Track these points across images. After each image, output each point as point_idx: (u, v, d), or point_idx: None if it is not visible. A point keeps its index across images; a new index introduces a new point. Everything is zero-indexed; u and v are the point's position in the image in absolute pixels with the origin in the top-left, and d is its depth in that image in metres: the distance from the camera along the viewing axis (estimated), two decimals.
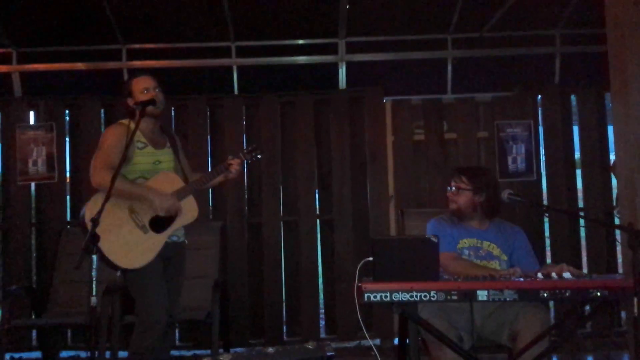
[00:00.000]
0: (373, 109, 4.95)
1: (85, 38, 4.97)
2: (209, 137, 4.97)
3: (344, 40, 5.08)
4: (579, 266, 4.68)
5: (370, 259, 2.49)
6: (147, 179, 3.15)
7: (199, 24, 4.97)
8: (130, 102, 3.16)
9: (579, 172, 5.03)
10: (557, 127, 4.97)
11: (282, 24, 4.99)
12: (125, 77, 5.00)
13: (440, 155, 4.94)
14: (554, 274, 2.57)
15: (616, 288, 2.47)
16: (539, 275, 2.58)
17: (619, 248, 4.70)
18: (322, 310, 4.99)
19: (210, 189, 4.75)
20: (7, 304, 4.15)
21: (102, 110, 4.96)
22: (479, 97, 5.07)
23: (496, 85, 5.16)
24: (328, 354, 2.58)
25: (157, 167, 3.19)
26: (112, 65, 5.08)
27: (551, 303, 4.60)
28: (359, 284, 2.47)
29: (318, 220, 4.97)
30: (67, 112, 4.99)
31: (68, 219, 4.86)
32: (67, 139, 4.98)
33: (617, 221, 4.63)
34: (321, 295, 4.99)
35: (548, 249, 4.93)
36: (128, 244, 3.04)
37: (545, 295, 2.48)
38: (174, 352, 4.51)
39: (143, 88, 3.15)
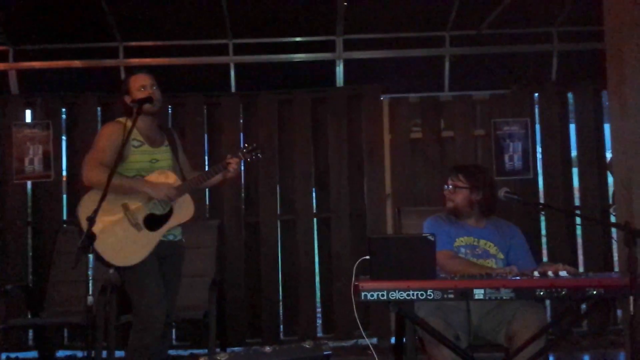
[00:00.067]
0: (370, 106, 4.95)
1: (82, 36, 4.96)
2: (206, 135, 4.96)
3: (341, 37, 5.08)
4: (575, 264, 4.68)
5: (367, 257, 2.49)
6: (143, 177, 3.14)
7: (197, 22, 4.96)
8: (127, 99, 3.15)
9: (575, 170, 5.04)
10: (554, 125, 4.97)
11: (279, 22, 4.98)
12: (122, 74, 4.99)
13: (438, 153, 4.94)
14: (550, 273, 2.57)
15: (612, 286, 2.47)
16: (536, 273, 2.58)
17: (615, 246, 4.72)
18: (319, 309, 4.99)
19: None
20: (3, 304, 4.13)
21: (99, 109, 4.94)
22: (476, 95, 5.07)
23: (493, 83, 5.16)
24: (325, 353, 2.58)
25: (154, 165, 3.18)
26: (109, 63, 5.06)
27: (547, 302, 4.60)
28: (356, 283, 2.46)
29: (315, 219, 4.97)
30: (63, 110, 4.98)
31: (64, 217, 4.85)
32: (64, 137, 4.96)
33: (613, 219, 4.64)
34: (318, 294, 4.99)
35: (544, 247, 4.94)
36: (121, 242, 3.03)
37: (542, 293, 2.48)
38: (171, 352, 4.50)
39: (140, 86, 3.14)
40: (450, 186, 3.21)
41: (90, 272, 2.56)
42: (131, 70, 3.33)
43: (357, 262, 2.54)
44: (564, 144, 4.98)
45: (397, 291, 2.43)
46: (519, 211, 4.77)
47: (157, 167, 3.17)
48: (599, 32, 3.86)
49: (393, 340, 3.71)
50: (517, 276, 2.58)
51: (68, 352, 4.71)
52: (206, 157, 4.93)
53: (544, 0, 4.84)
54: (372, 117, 4.93)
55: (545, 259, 4.78)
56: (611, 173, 4.16)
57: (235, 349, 4.36)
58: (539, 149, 5.00)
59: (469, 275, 2.66)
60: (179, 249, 3.30)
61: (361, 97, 4.96)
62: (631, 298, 2.44)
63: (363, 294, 2.43)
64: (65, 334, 4.75)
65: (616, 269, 4.78)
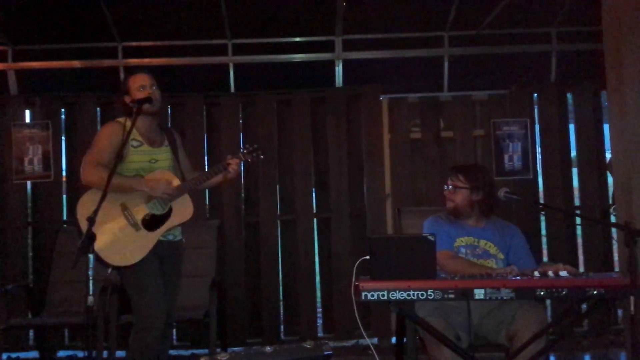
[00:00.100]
0: (370, 107, 4.95)
1: (81, 36, 4.96)
2: (205, 135, 4.96)
3: (340, 37, 5.08)
4: (575, 264, 4.69)
5: (368, 257, 2.49)
6: (143, 178, 3.14)
7: (196, 22, 4.96)
8: (127, 99, 3.16)
9: (575, 170, 5.04)
10: (553, 125, 4.97)
11: (278, 22, 4.99)
12: (122, 75, 4.99)
13: (437, 153, 4.95)
14: (550, 273, 2.57)
15: (613, 286, 2.47)
16: (536, 273, 2.58)
17: (615, 246, 4.72)
18: (320, 309, 4.99)
19: None
20: (3, 304, 4.14)
21: (98, 109, 4.94)
22: (475, 95, 5.07)
23: (493, 83, 5.17)
24: (326, 353, 2.58)
25: (153, 165, 3.18)
26: (108, 63, 5.06)
27: (548, 302, 4.61)
28: (356, 283, 2.46)
29: (315, 219, 4.97)
30: (63, 110, 4.97)
31: (64, 218, 4.85)
32: (63, 138, 4.96)
33: (613, 219, 4.64)
34: (319, 294, 4.99)
35: (544, 247, 4.94)
36: (119, 242, 3.03)
37: (542, 293, 2.47)
38: (172, 352, 4.50)
39: (140, 86, 3.14)
40: (450, 186, 3.21)
41: (90, 272, 2.56)
42: (131, 70, 3.33)
43: (358, 262, 2.54)
44: (563, 144, 4.98)
45: (397, 291, 2.43)
46: (518, 211, 4.78)
47: (156, 167, 3.17)
48: (598, 32, 3.86)
49: (394, 340, 3.71)
50: (517, 276, 2.58)
51: (69, 352, 4.71)
52: (206, 157, 4.93)
53: (543, 1, 4.84)
54: (372, 117, 4.93)
55: (545, 259, 4.79)
56: (611, 173, 4.17)
57: (236, 349, 4.36)
58: (538, 149, 5.00)
59: (469, 275, 2.66)
60: (178, 249, 3.30)
61: (361, 97, 4.96)
62: (631, 298, 2.45)
63: (363, 294, 2.43)
64: (66, 334, 4.75)
65: (616, 269, 4.78)
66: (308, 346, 2.62)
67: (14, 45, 5.01)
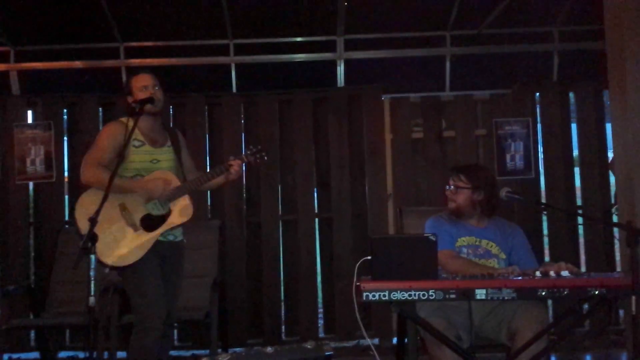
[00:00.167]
0: (371, 106, 4.94)
1: (83, 36, 4.96)
2: (207, 135, 4.96)
3: (342, 37, 5.07)
4: (577, 264, 4.68)
5: (369, 257, 2.49)
6: (143, 177, 3.14)
7: (197, 22, 4.96)
8: (129, 99, 3.16)
9: (577, 170, 5.03)
10: (555, 124, 4.96)
11: (280, 22, 4.98)
12: (124, 75, 5.00)
13: (439, 153, 4.94)
14: (552, 273, 2.57)
15: (614, 286, 2.47)
16: (537, 273, 2.57)
17: (617, 246, 4.71)
18: (321, 310, 4.99)
19: None
20: (5, 304, 4.15)
21: (100, 109, 4.95)
22: (477, 95, 5.06)
23: (494, 83, 5.16)
24: (327, 353, 2.57)
25: (154, 165, 3.18)
26: (110, 63, 5.06)
27: (549, 301, 4.60)
28: (358, 283, 2.46)
29: (317, 219, 4.97)
30: (65, 110, 4.98)
31: (66, 218, 4.85)
32: (65, 138, 4.96)
33: (615, 219, 4.63)
34: (320, 295, 4.98)
35: (546, 247, 4.93)
36: (117, 241, 3.03)
37: (544, 293, 2.47)
38: (173, 352, 4.50)
39: (142, 86, 3.15)
40: (452, 186, 3.21)
41: (92, 273, 2.55)
42: (133, 71, 3.34)
43: (359, 263, 2.54)
44: (565, 144, 4.97)
45: (398, 291, 2.43)
46: (520, 211, 4.77)
47: (157, 168, 3.17)
48: (600, 31, 3.85)
49: (395, 340, 3.71)
50: (518, 276, 2.58)
51: (70, 353, 4.72)
52: (207, 157, 4.93)
53: (545, 0, 4.83)
54: (373, 117, 4.93)
55: (547, 258, 4.77)
56: (613, 173, 4.16)
57: (237, 349, 4.36)
58: (540, 149, 4.99)
59: (470, 275, 2.66)
60: (179, 249, 3.30)
61: (362, 97, 4.96)
62: (633, 298, 2.44)
63: (365, 294, 2.42)
64: (67, 335, 4.75)
65: (618, 268, 4.77)
66: (309, 347, 2.61)
67: (16, 45, 5.01)
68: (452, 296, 2.45)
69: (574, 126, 5.05)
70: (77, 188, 4.77)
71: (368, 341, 3.28)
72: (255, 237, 4.88)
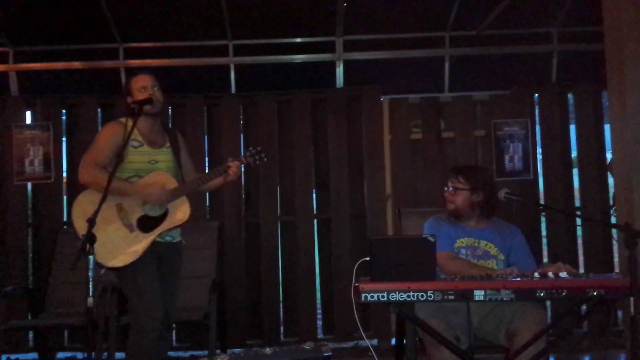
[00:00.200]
0: (370, 107, 4.94)
1: (82, 37, 4.96)
2: (206, 136, 4.96)
3: (341, 38, 5.08)
4: (575, 265, 4.68)
5: (368, 258, 2.49)
6: (141, 178, 3.14)
7: (196, 23, 4.96)
8: (129, 100, 3.16)
9: (575, 171, 5.03)
10: (554, 125, 4.97)
11: (279, 23, 4.99)
12: (123, 76, 5.00)
13: (438, 154, 4.94)
14: (550, 274, 2.57)
15: (613, 287, 2.47)
16: (536, 274, 2.57)
17: (615, 247, 4.71)
18: (320, 311, 4.99)
19: None
20: (3, 305, 4.14)
21: (99, 110, 4.95)
22: (476, 96, 5.07)
23: (493, 84, 5.17)
24: (325, 354, 2.57)
25: (153, 166, 3.17)
26: (109, 64, 5.07)
27: (548, 303, 4.60)
28: (356, 284, 2.46)
29: (315, 220, 4.97)
30: (64, 111, 4.98)
31: (65, 219, 4.84)
32: (64, 139, 4.96)
33: (614, 220, 4.63)
34: (318, 295, 4.98)
35: (545, 248, 4.93)
36: (112, 242, 3.03)
37: (542, 294, 2.48)
38: (171, 353, 4.50)
39: (141, 87, 3.15)
40: (451, 188, 3.21)
41: (90, 274, 2.55)
42: (132, 71, 3.34)
43: (358, 263, 2.54)
44: (564, 145, 4.98)
45: (397, 292, 2.43)
46: (519, 212, 4.77)
47: (156, 168, 3.17)
48: (599, 33, 3.85)
49: (393, 341, 3.71)
50: (517, 277, 2.58)
51: (68, 354, 4.71)
52: (206, 158, 4.93)
53: (544, 1, 4.84)
54: (372, 118, 4.93)
55: (545, 259, 4.78)
56: (611, 174, 4.16)
57: (236, 350, 4.36)
58: (539, 150, 5.00)
59: (469, 276, 2.66)
60: (177, 250, 3.29)
61: (361, 97, 4.96)
62: (632, 299, 2.44)
63: (363, 295, 2.43)
64: (66, 336, 4.75)
65: (617, 270, 4.77)
66: (308, 347, 2.61)
67: (14, 46, 5.01)
68: (451, 297, 2.45)
69: (572, 127, 5.05)
70: (76, 189, 4.74)
71: (367, 342, 3.27)
72: (254, 238, 4.88)
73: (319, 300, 4.98)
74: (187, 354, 4.69)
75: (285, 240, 4.91)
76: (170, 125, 4.81)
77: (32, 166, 4.82)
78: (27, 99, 4.94)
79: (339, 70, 5.11)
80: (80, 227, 3.02)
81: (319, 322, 4.95)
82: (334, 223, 4.87)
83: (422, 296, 2.43)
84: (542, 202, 4.99)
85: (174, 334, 4.56)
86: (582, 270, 4.67)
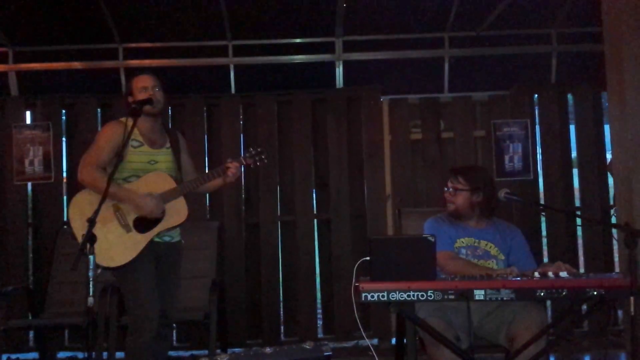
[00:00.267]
0: (370, 108, 4.95)
1: (82, 37, 4.97)
2: (205, 136, 4.96)
3: (341, 39, 5.08)
4: (576, 265, 4.69)
5: (368, 258, 2.49)
6: (139, 178, 3.14)
7: (196, 23, 4.96)
8: (130, 99, 3.17)
9: (575, 171, 5.04)
10: (553, 126, 4.97)
11: (279, 23, 4.99)
12: (122, 76, 5.00)
13: (438, 154, 4.94)
14: (550, 273, 2.57)
15: (613, 287, 2.47)
16: (536, 274, 2.58)
17: (615, 247, 4.72)
18: (320, 310, 4.99)
19: None
20: (3, 305, 4.14)
21: (99, 110, 4.95)
22: (476, 96, 5.07)
23: (493, 84, 5.16)
24: (325, 354, 2.58)
25: (152, 166, 3.17)
26: (108, 64, 5.07)
27: (548, 302, 4.60)
28: (356, 284, 2.46)
29: (315, 220, 4.97)
30: (63, 111, 4.98)
31: (65, 219, 4.84)
32: (64, 139, 4.96)
33: (614, 220, 4.64)
34: (319, 295, 4.98)
35: (545, 248, 4.94)
36: (108, 242, 3.02)
37: (542, 294, 2.48)
38: (172, 353, 4.50)
39: (142, 87, 3.16)
40: (451, 188, 3.21)
41: (90, 274, 2.55)
42: (131, 72, 3.35)
43: (358, 263, 2.54)
44: (564, 145, 4.98)
45: (397, 292, 2.43)
46: (519, 212, 4.78)
47: (155, 169, 3.17)
48: (599, 33, 3.86)
49: (394, 341, 3.71)
50: (517, 277, 2.58)
51: (69, 353, 4.72)
52: (206, 158, 4.93)
53: (543, 2, 4.84)
54: (372, 118, 4.93)
55: (545, 259, 4.78)
56: (611, 174, 4.17)
57: (236, 350, 4.37)
58: (539, 150, 5.00)
59: (469, 276, 2.66)
60: (176, 250, 3.29)
61: (361, 98, 4.96)
62: (632, 298, 2.44)
63: (363, 294, 2.43)
64: (66, 335, 4.75)
65: (617, 269, 4.78)
66: (308, 347, 2.62)
67: (14, 46, 5.01)
68: (451, 297, 2.45)
69: (572, 127, 5.06)
70: (76, 188, 4.71)
71: (367, 341, 3.27)
72: (254, 238, 4.88)
73: (319, 300, 4.98)
74: (188, 353, 4.69)
75: (285, 240, 4.91)
76: (170, 125, 4.82)
77: (32, 166, 4.82)
78: (27, 99, 4.94)
79: (339, 71, 5.12)
80: (77, 228, 3.02)
81: (319, 322, 4.95)
82: (334, 223, 4.87)
83: (422, 296, 2.43)
84: (542, 202, 4.99)
85: (174, 334, 4.55)
86: (582, 270, 4.67)
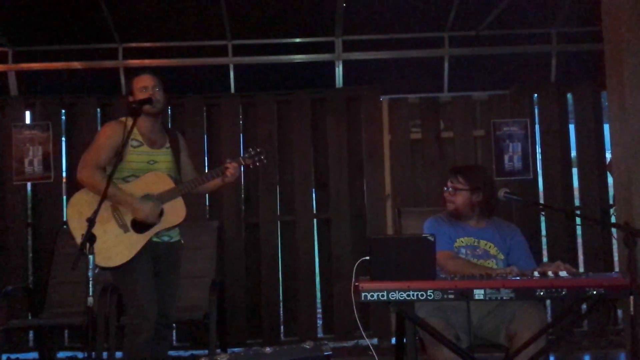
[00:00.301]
0: (370, 107, 4.95)
1: (81, 37, 4.96)
2: (205, 136, 4.96)
3: (340, 38, 5.08)
4: (575, 265, 4.69)
5: (367, 258, 2.49)
6: (138, 178, 3.14)
7: (196, 23, 4.96)
8: (130, 99, 3.17)
9: (575, 170, 5.04)
10: (553, 125, 4.97)
11: (278, 23, 4.99)
12: (122, 76, 5.00)
13: (437, 153, 4.94)
14: (550, 273, 2.57)
15: (613, 286, 2.47)
16: (535, 274, 2.58)
17: (615, 246, 4.72)
18: (320, 310, 4.99)
19: None
20: (3, 305, 4.14)
21: (99, 110, 4.94)
22: (475, 96, 5.07)
23: (493, 84, 5.17)
24: (325, 353, 2.57)
25: (151, 166, 3.17)
26: (108, 64, 5.06)
27: (548, 302, 4.60)
28: (356, 284, 2.46)
29: (315, 220, 4.97)
30: (63, 111, 4.97)
31: (64, 219, 4.83)
32: (64, 139, 4.96)
33: (613, 219, 4.64)
34: (318, 295, 4.98)
35: (545, 247, 4.94)
36: (106, 242, 3.02)
37: (542, 294, 2.47)
38: (172, 353, 4.50)
39: (142, 86, 3.16)
40: (450, 188, 3.21)
41: (90, 274, 2.55)
42: (131, 72, 3.35)
43: (357, 263, 2.54)
44: (563, 145, 4.98)
45: (397, 292, 2.43)
46: (519, 212, 4.78)
47: (154, 169, 3.17)
48: (598, 33, 3.86)
49: (393, 340, 3.71)
50: (517, 276, 2.58)
51: (68, 353, 4.72)
52: (206, 158, 4.93)
53: (543, 1, 4.84)
54: (372, 117, 4.93)
55: (545, 259, 4.79)
56: (611, 174, 4.17)
57: (236, 349, 4.36)
58: (538, 150, 5.00)
59: (469, 275, 2.66)
60: (176, 250, 3.29)
61: (361, 97, 4.96)
62: (631, 298, 2.44)
63: (363, 294, 2.43)
64: (66, 335, 4.75)
65: (616, 269, 4.78)
66: (308, 347, 2.62)
67: (14, 46, 5.01)
68: (451, 296, 2.45)
69: (572, 127, 5.06)
70: (76, 188, 4.74)
71: (367, 341, 3.27)
72: (253, 238, 4.88)
73: (319, 300, 4.99)
74: (188, 353, 4.69)
75: (285, 240, 4.91)
76: (170, 125, 4.82)
77: (31, 166, 4.82)
78: (27, 99, 4.94)
79: (339, 70, 5.12)
80: (75, 228, 3.02)
81: (319, 322, 4.95)
82: (334, 223, 4.87)
83: (422, 295, 2.43)
84: (541, 201, 4.99)
85: (174, 334, 4.56)
86: (581, 270, 4.67)
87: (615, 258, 4.72)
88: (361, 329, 2.82)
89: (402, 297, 2.43)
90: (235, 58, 5.11)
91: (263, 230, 4.87)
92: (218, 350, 4.08)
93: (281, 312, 4.92)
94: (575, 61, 5.13)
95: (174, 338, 4.65)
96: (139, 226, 3.09)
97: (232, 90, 5.11)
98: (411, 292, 2.43)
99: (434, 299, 2.44)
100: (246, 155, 3.28)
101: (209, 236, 4.47)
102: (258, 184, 4.90)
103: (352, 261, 2.81)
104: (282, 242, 4.91)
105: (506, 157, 4.91)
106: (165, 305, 3.18)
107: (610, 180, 4.53)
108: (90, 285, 2.54)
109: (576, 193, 5.02)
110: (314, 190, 4.98)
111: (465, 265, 2.97)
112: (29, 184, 4.88)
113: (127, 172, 3.13)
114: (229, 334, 4.50)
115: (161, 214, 3.13)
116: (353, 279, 2.51)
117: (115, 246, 3.04)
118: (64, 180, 4.92)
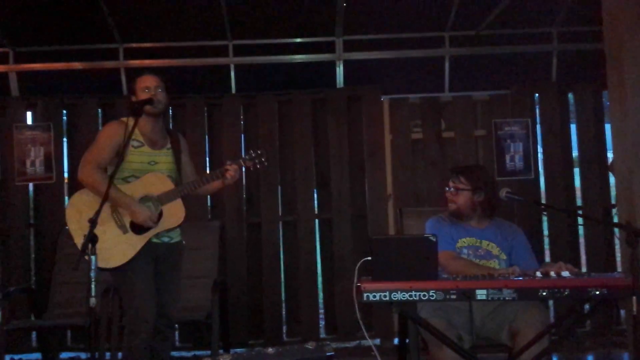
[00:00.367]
0: (371, 107, 4.95)
1: (82, 37, 4.96)
2: (206, 136, 4.96)
3: (341, 38, 5.08)
4: (577, 265, 4.69)
5: (369, 258, 2.49)
6: (138, 178, 3.14)
7: (196, 23, 4.96)
8: (132, 99, 3.17)
9: (577, 170, 5.04)
10: (554, 125, 4.97)
11: (279, 23, 4.99)
12: (123, 76, 5.00)
13: (439, 153, 4.94)
14: (552, 273, 2.57)
15: (615, 286, 2.47)
16: (538, 274, 2.58)
17: (618, 246, 4.72)
18: (322, 310, 4.99)
19: None
20: (6, 306, 4.14)
21: (100, 110, 4.95)
22: (476, 96, 5.07)
23: (494, 84, 5.16)
24: (328, 354, 2.57)
25: (152, 167, 3.17)
26: (109, 64, 5.06)
27: (550, 302, 4.60)
28: (358, 284, 2.46)
29: (317, 220, 4.97)
30: (64, 112, 4.98)
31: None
32: (65, 139, 4.96)
33: (615, 219, 4.64)
34: (320, 295, 4.99)
35: (547, 247, 4.94)
36: (105, 243, 3.00)
37: (544, 294, 2.47)
38: (174, 353, 4.51)
39: (144, 87, 3.16)
40: (452, 188, 3.21)
41: (92, 274, 2.55)
42: (132, 72, 3.35)
43: (359, 263, 2.54)
44: (565, 144, 4.98)
45: (399, 292, 2.43)
46: (520, 212, 4.78)
47: (154, 169, 3.17)
48: (599, 32, 3.86)
49: (396, 341, 3.71)
50: (519, 276, 2.58)
51: (71, 354, 4.71)
52: (207, 158, 4.93)
53: (544, 1, 4.84)
54: (373, 117, 4.93)
55: (547, 259, 4.78)
56: (613, 173, 4.16)
57: (238, 350, 4.38)
58: (540, 149, 5.00)
59: (471, 275, 2.66)
60: (176, 250, 3.28)
61: (361, 97, 4.96)
62: (634, 298, 2.44)
63: (365, 294, 2.43)
64: (69, 336, 4.75)
65: (619, 269, 4.78)
66: (310, 347, 2.62)
67: (15, 47, 5.01)
68: (453, 297, 2.45)
69: (573, 127, 5.05)
70: (77, 189, 4.74)
71: (369, 342, 3.27)
72: (255, 238, 4.88)
73: (321, 300, 4.99)
74: (190, 353, 4.69)
75: (287, 240, 4.91)
76: (171, 126, 4.83)
77: (33, 167, 4.82)
78: (28, 99, 4.94)
79: (339, 70, 5.11)
80: (74, 229, 3.03)
81: (321, 322, 4.96)
82: (335, 223, 4.87)
83: (424, 296, 2.43)
84: (543, 201, 4.98)
85: (176, 334, 4.56)
86: (584, 270, 4.67)
87: (618, 258, 4.72)
88: (363, 329, 2.82)
89: (404, 297, 2.43)
90: (236, 58, 5.11)
91: (265, 230, 4.87)
92: (220, 351, 4.08)
93: (283, 312, 4.92)
94: (576, 61, 5.13)
95: (177, 338, 4.65)
96: (138, 227, 3.09)
97: (233, 90, 5.11)
98: (413, 293, 2.43)
99: (436, 299, 2.44)
100: (247, 157, 3.27)
101: (211, 236, 4.47)
102: (259, 184, 4.90)
103: (353, 261, 2.81)
104: (283, 242, 4.91)
105: (507, 157, 4.91)
106: (167, 306, 3.18)
107: (612, 179, 4.53)
108: (93, 286, 2.54)
109: (578, 193, 5.02)
110: (315, 190, 4.98)
111: (468, 266, 2.97)
112: (30, 185, 4.88)
113: (128, 173, 3.13)
114: (231, 334, 4.50)
115: (160, 215, 3.13)
116: (355, 279, 2.50)
117: (114, 247, 3.04)
118: (66, 180, 4.92)
